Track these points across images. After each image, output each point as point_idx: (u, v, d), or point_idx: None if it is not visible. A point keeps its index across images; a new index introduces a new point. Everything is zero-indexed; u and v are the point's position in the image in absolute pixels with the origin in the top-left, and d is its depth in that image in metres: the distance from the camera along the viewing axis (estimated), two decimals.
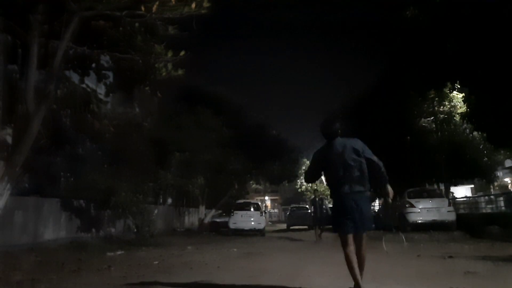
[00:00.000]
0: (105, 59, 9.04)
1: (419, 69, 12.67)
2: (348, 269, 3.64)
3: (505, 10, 9.67)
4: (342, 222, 3.71)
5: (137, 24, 7.78)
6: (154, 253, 8.69)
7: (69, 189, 11.33)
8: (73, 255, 7.90)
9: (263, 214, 18.13)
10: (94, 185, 10.78)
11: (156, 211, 14.68)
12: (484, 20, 10.07)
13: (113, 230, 12.72)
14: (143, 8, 6.90)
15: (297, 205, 28.98)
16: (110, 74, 9.81)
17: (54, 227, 10.24)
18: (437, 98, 17.06)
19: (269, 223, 34.56)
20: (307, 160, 32.77)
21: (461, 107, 15.86)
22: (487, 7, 10.02)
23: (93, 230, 11.84)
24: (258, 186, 40.41)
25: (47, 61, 6.94)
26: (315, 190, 16.84)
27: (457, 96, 16.73)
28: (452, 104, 17.38)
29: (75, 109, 9.91)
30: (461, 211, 17.18)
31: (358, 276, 3.57)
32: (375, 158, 3.76)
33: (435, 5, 11.94)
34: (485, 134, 13.16)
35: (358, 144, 3.79)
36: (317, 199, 12.54)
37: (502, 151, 16.59)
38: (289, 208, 29.29)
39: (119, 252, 8.80)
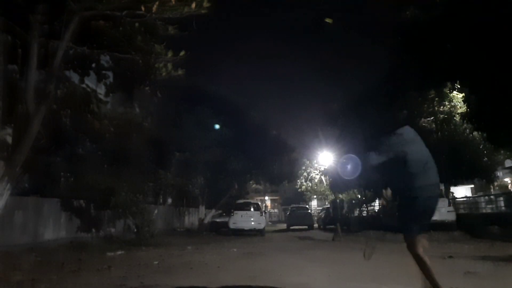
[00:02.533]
0: (105, 59, 9.03)
1: (419, 69, 12.66)
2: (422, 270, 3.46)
3: (505, 10, 9.67)
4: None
5: (137, 24, 7.77)
6: (154, 253, 8.69)
7: (69, 189, 11.30)
8: (73, 255, 7.90)
9: (263, 214, 18.12)
10: (94, 185, 10.75)
11: (156, 211, 14.67)
12: (484, 20, 10.06)
13: (113, 230, 12.70)
14: (143, 8, 6.89)
15: (297, 205, 28.91)
16: (110, 74, 9.79)
17: (54, 227, 10.23)
18: (437, 98, 17.04)
19: (269, 223, 34.53)
20: (307, 160, 32.74)
21: (461, 107, 15.84)
22: (487, 7, 10.01)
23: (93, 230, 11.83)
24: (258, 186, 40.37)
25: (47, 61, 6.93)
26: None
27: (457, 96, 16.71)
28: (452, 104, 17.36)
29: (75, 109, 9.87)
30: (461, 211, 17.17)
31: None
32: None
33: (435, 5, 11.94)
34: (485, 134, 13.14)
35: None
36: (337, 200, 13.70)
37: (502, 151, 16.57)
38: (289, 208, 29.26)
39: (119, 252, 8.80)
